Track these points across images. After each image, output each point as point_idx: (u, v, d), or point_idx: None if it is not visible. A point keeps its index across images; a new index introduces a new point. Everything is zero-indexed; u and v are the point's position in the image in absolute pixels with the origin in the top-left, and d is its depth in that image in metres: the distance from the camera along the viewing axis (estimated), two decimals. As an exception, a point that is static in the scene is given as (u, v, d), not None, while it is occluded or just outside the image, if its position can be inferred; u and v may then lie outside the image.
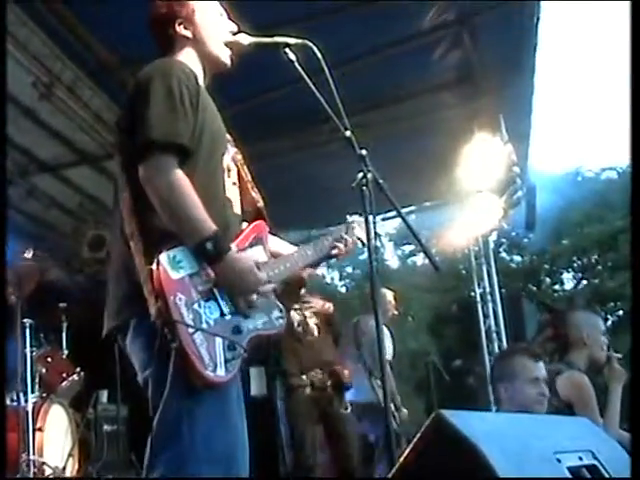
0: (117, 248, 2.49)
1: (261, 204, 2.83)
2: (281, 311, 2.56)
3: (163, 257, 2.26)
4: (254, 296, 2.40)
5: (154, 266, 2.24)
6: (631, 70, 2.68)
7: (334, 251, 3.05)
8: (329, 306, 5.22)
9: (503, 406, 3.73)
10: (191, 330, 2.20)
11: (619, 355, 4.38)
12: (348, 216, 3.19)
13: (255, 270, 2.42)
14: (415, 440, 1.81)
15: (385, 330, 6.76)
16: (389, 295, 6.94)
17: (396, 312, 7.03)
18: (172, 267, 2.26)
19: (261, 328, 2.46)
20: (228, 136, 2.76)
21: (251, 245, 2.59)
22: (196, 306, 2.26)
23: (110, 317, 2.47)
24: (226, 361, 2.26)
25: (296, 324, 4.91)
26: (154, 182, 2.33)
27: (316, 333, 4.96)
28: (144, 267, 2.27)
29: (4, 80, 3.63)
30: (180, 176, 2.35)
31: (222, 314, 2.33)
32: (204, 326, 2.24)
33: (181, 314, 2.20)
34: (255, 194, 2.83)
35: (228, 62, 2.78)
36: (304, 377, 4.70)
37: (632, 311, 3.00)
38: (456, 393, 10.38)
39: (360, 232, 3.14)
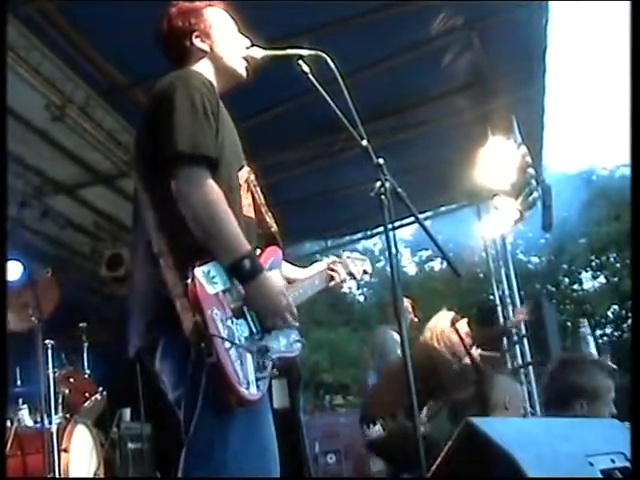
0: (142, 267, 2.44)
1: (275, 229, 2.79)
2: (298, 335, 2.55)
3: (198, 272, 2.22)
4: (280, 320, 2.37)
5: (189, 281, 2.20)
6: (631, 70, 2.65)
7: (332, 283, 3.06)
8: None
9: None
10: (227, 345, 2.18)
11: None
12: (341, 252, 3.24)
13: (285, 293, 2.40)
14: (446, 448, 1.79)
15: (395, 335, 6.78)
16: (405, 302, 6.92)
17: (415, 319, 7.02)
18: (207, 282, 2.23)
19: (283, 350, 2.46)
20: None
21: (270, 269, 2.53)
22: (229, 323, 2.24)
23: (137, 337, 2.42)
24: (257, 379, 2.24)
25: None
26: (189, 196, 2.28)
27: None
28: (178, 282, 2.24)
29: (4, 87, 3.63)
30: (215, 189, 2.31)
31: (251, 333, 2.31)
32: (237, 343, 2.23)
33: (217, 329, 2.18)
34: (269, 218, 2.79)
35: (244, 74, 2.76)
36: None
37: (632, 310, 2.98)
38: (479, 398, 10.30)
39: (352, 267, 3.19)
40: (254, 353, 2.27)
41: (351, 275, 3.18)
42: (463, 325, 5.94)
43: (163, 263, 2.30)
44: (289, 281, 2.76)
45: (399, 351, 6.59)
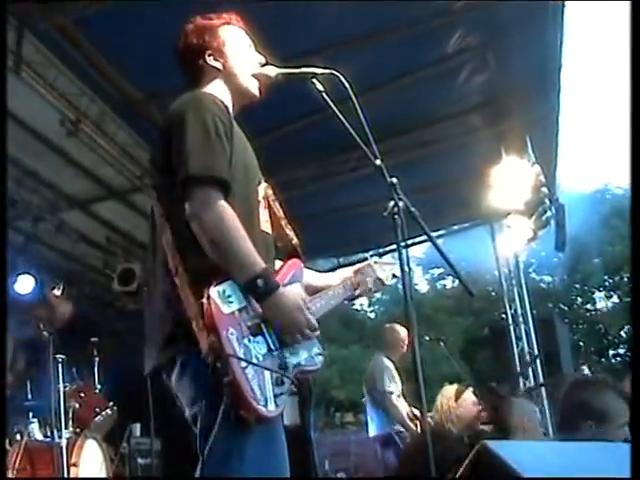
0: (158, 284, 2.45)
1: (296, 241, 2.79)
2: (319, 348, 2.54)
3: (213, 291, 2.23)
4: (299, 336, 2.37)
5: (204, 300, 2.21)
6: (631, 74, 2.63)
7: (357, 291, 3.02)
8: None
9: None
10: (243, 364, 2.18)
11: None
12: (367, 255, 3.18)
13: (304, 309, 2.39)
14: (461, 470, 1.77)
15: (391, 366, 6.84)
16: (402, 332, 6.94)
17: (405, 350, 6.93)
18: (223, 301, 2.23)
19: (303, 364, 2.45)
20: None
21: (290, 283, 2.53)
22: (246, 341, 2.24)
23: (154, 354, 2.43)
24: (275, 396, 2.24)
25: None
26: (202, 218, 2.29)
27: None
28: (193, 302, 2.24)
29: (4, 90, 3.67)
30: (227, 210, 2.31)
31: (269, 349, 2.31)
32: (254, 361, 2.22)
33: (233, 348, 2.18)
34: (289, 231, 2.80)
35: (257, 93, 2.76)
36: None
37: (632, 310, 2.96)
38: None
39: (380, 272, 3.13)
40: (273, 369, 2.27)
41: (380, 281, 3.13)
42: (470, 396, 5.84)
43: (179, 282, 2.31)
44: (315, 290, 2.75)
45: (388, 378, 6.67)
